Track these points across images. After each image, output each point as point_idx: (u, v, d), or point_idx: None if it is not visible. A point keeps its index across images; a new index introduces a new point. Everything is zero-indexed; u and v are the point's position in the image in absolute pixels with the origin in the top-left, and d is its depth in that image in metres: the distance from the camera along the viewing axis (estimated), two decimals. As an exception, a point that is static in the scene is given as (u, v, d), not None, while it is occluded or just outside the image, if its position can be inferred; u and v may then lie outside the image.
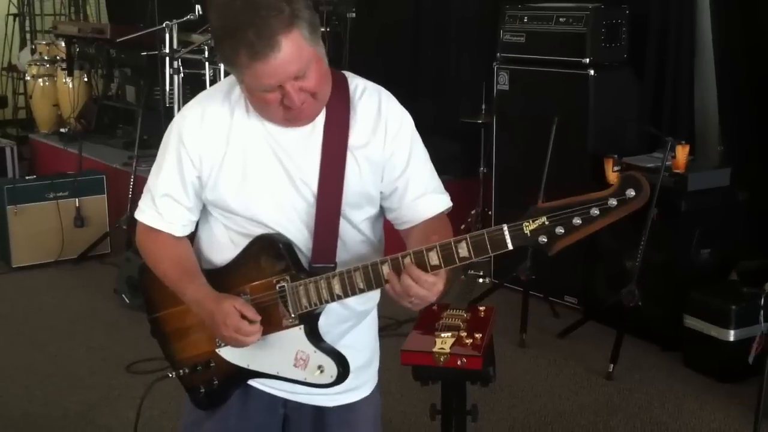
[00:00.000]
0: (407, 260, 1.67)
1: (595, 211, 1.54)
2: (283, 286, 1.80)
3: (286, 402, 1.98)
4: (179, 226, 1.91)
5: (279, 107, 1.73)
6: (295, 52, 1.66)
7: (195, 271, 1.90)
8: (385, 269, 1.69)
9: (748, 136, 4.52)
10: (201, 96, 1.91)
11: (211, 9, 1.72)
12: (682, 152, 4.09)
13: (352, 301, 1.85)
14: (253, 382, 1.95)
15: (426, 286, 1.66)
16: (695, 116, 4.69)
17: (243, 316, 1.79)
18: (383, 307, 2.07)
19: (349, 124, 1.82)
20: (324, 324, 1.85)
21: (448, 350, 2.55)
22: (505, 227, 1.60)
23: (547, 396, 3.74)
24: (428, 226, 1.86)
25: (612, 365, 3.88)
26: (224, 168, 1.83)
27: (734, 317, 3.73)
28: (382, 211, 1.94)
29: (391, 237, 2.00)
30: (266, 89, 1.70)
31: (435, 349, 2.55)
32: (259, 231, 1.84)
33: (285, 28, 1.64)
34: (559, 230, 1.56)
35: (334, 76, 1.82)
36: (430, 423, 2.75)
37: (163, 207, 1.89)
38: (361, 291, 1.74)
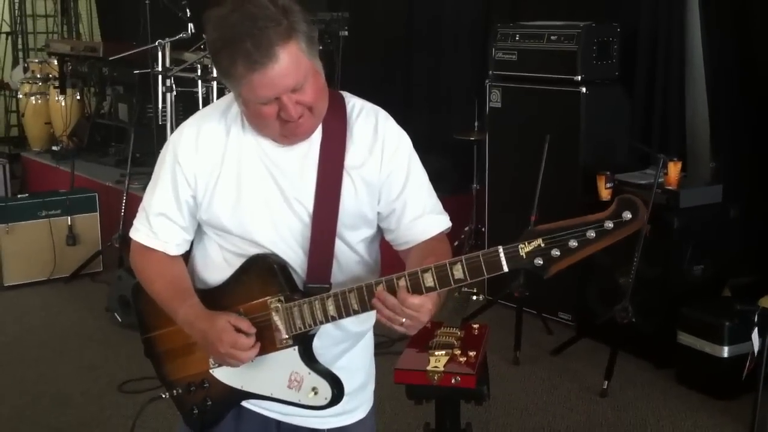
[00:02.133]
0: (402, 282, 1.65)
1: (591, 234, 1.53)
2: (277, 307, 1.79)
3: (279, 424, 1.96)
4: (173, 246, 1.90)
5: (275, 122, 1.72)
6: (293, 64, 1.66)
7: (188, 290, 1.88)
8: (380, 291, 1.68)
9: (740, 152, 4.54)
10: (198, 114, 1.91)
11: (209, 21, 1.72)
12: (674, 169, 4.11)
13: (346, 322, 1.84)
14: (247, 404, 1.94)
15: (413, 308, 1.64)
16: (686, 132, 4.71)
17: (238, 330, 1.77)
18: (376, 325, 2.06)
19: (346, 144, 1.81)
20: (318, 346, 1.84)
21: (442, 369, 2.54)
22: (501, 249, 1.59)
23: (541, 414, 3.72)
24: (427, 246, 1.84)
25: (606, 382, 3.87)
26: (219, 187, 1.82)
27: (727, 333, 3.72)
28: (378, 231, 1.93)
29: (389, 257, 2.00)
30: (263, 101, 1.69)
31: (429, 368, 2.54)
32: (253, 251, 1.83)
33: (283, 39, 1.64)
34: (555, 253, 1.55)
35: (330, 96, 1.81)
36: (425, 442, 2.74)
37: (157, 226, 1.88)
38: (356, 312, 1.73)
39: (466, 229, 5.29)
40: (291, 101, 1.69)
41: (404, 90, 6.25)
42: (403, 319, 1.65)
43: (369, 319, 1.97)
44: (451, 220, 1.92)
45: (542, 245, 1.55)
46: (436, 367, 2.54)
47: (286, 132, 1.76)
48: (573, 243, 1.54)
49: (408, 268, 1.71)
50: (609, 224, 1.52)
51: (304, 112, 1.72)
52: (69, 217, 5.51)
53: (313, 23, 1.75)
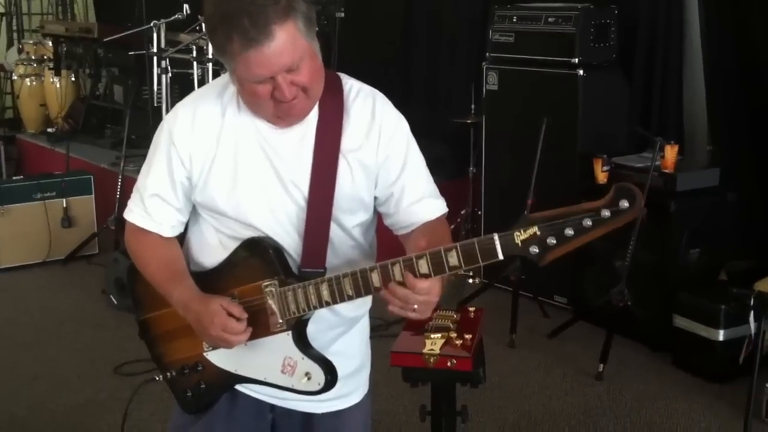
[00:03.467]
0: (396, 268, 1.64)
1: (587, 222, 1.51)
2: (272, 291, 1.78)
3: (273, 407, 1.96)
4: (168, 227, 1.89)
5: (269, 102, 1.70)
6: (289, 43, 1.64)
7: (183, 272, 1.88)
8: (374, 276, 1.67)
9: (737, 135, 4.53)
10: (193, 95, 1.89)
11: None
12: (671, 152, 4.09)
13: (341, 307, 1.83)
14: (241, 387, 1.94)
15: (423, 292, 1.63)
16: (684, 116, 4.70)
17: (230, 315, 1.77)
18: (373, 308, 2.06)
19: (342, 127, 1.79)
20: (313, 330, 1.83)
21: (438, 351, 2.54)
22: (496, 236, 1.57)
23: (537, 396, 3.73)
24: (427, 228, 1.83)
25: (602, 365, 3.87)
26: (214, 169, 1.81)
27: (723, 317, 3.73)
28: (375, 216, 1.92)
29: (386, 242, 1.98)
30: (257, 80, 1.67)
31: (425, 351, 2.54)
32: (248, 234, 1.82)
33: (280, 18, 1.62)
34: (551, 241, 1.53)
35: (328, 77, 1.80)
36: (420, 424, 2.74)
37: (151, 207, 1.87)
38: (350, 298, 1.72)
39: (463, 212, 5.28)
40: (285, 81, 1.67)
41: (401, 73, 6.22)
42: (415, 306, 1.64)
43: (364, 303, 1.97)
44: (447, 204, 1.91)
45: (538, 233, 1.54)
46: (432, 350, 2.54)
47: (280, 113, 1.74)
48: (569, 231, 1.52)
49: (408, 250, 1.71)
50: (606, 213, 1.50)
51: (298, 93, 1.70)
52: (64, 200, 5.49)
53: (311, 4, 1.72)
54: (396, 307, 1.65)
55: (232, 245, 1.84)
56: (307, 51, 1.68)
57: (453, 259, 1.60)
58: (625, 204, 1.49)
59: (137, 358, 3.77)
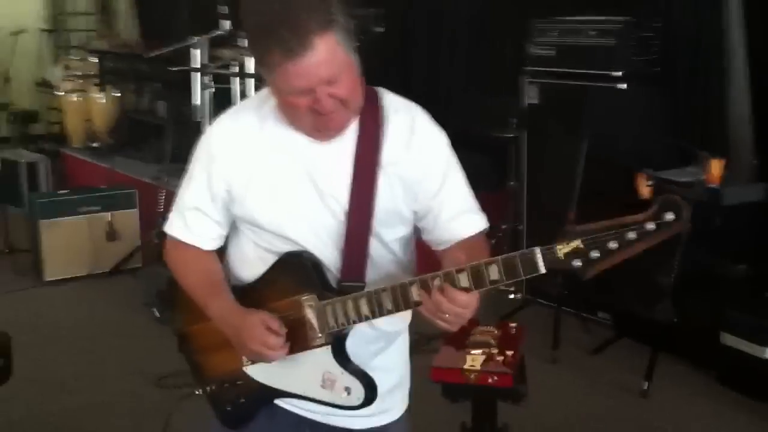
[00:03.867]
0: (437, 282, 1.62)
1: (631, 235, 1.47)
2: (311, 305, 1.77)
3: (313, 423, 1.95)
4: (208, 240, 1.90)
5: (308, 114, 1.70)
6: (329, 54, 1.63)
7: (222, 286, 1.88)
8: (414, 290, 1.65)
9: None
10: (233, 109, 1.90)
11: (246, 7, 1.69)
12: (716, 166, 4.03)
13: (380, 321, 1.81)
14: (280, 402, 1.93)
15: (461, 305, 1.60)
16: (729, 130, 4.62)
17: (268, 329, 1.76)
18: (412, 323, 2.04)
19: (382, 141, 1.78)
20: (351, 345, 1.82)
21: (479, 367, 2.52)
22: (538, 250, 1.54)
23: (579, 414, 3.68)
24: (465, 244, 1.81)
25: (647, 383, 3.81)
26: (253, 182, 1.81)
27: (771, 334, 3.66)
28: (414, 231, 1.91)
29: (425, 257, 1.97)
30: (297, 92, 1.66)
31: (466, 366, 2.53)
32: (287, 248, 1.82)
33: (320, 29, 1.61)
34: (594, 254, 1.50)
35: (366, 92, 1.79)
36: (461, 441, 2.72)
37: (191, 220, 1.88)
38: (389, 312, 1.70)
39: (504, 227, 5.24)
40: (324, 94, 1.66)
41: (438, 86, 6.20)
42: (447, 315, 1.62)
43: (404, 318, 1.95)
44: (488, 218, 1.89)
45: (581, 246, 1.51)
46: (473, 365, 2.53)
47: (319, 125, 1.73)
48: (613, 244, 1.49)
49: (445, 265, 1.69)
50: (651, 225, 1.47)
51: (337, 106, 1.69)
52: (109, 213, 5.56)
53: (350, 17, 1.72)
54: (427, 311, 1.63)
55: (271, 259, 1.84)
56: (346, 63, 1.67)
57: (494, 272, 1.58)
58: (670, 216, 1.46)
59: (179, 370, 3.78)
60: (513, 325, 2.80)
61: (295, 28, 1.60)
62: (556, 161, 4.63)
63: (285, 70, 1.63)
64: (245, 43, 5.41)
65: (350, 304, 1.73)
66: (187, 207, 1.88)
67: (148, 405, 3.78)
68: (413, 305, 1.67)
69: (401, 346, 2.00)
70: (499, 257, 1.58)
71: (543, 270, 1.55)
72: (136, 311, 4.87)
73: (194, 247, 1.90)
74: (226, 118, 1.86)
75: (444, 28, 6.04)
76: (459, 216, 1.83)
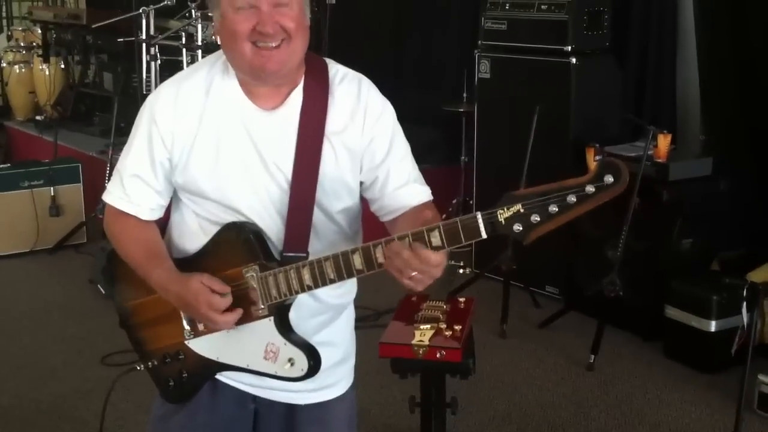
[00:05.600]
0: (379, 250, 1.60)
1: (572, 199, 1.47)
2: (252, 276, 1.74)
3: (256, 398, 1.92)
4: (147, 210, 1.85)
5: (248, 44, 1.67)
6: None
7: (162, 254, 1.84)
8: (356, 258, 1.63)
9: (730, 124, 4.50)
10: (177, 75, 1.86)
11: None
12: (663, 141, 4.06)
13: (324, 293, 1.80)
14: (222, 377, 1.90)
15: (432, 264, 1.56)
16: (677, 105, 4.67)
17: (212, 291, 1.73)
18: (361, 298, 2.02)
19: (327, 110, 1.76)
20: (295, 317, 1.79)
21: (427, 342, 2.52)
22: (479, 215, 1.53)
23: (527, 387, 3.70)
24: (415, 213, 1.79)
25: (593, 356, 3.85)
26: (196, 148, 1.77)
27: (716, 307, 3.70)
28: (361, 205, 1.89)
29: (372, 232, 1.94)
30: (242, 4, 1.64)
31: (414, 342, 2.52)
32: (229, 218, 1.79)
33: None
34: (535, 218, 1.49)
35: (314, 61, 1.78)
36: (410, 415, 2.72)
37: (131, 188, 1.83)
38: (332, 281, 1.68)
39: (454, 201, 5.25)
40: (269, 12, 1.65)
41: (394, 61, 6.17)
42: (413, 273, 1.58)
43: (349, 292, 1.94)
44: (439, 192, 1.88)
45: (521, 210, 1.50)
46: (421, 340, 2.52)
47: (257, 62, 1.70)
48: (553, 208, 1.48)
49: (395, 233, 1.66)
50: (590, 188, 1.46)
51: (279, 34, 1.67)
52: (52, 188, 5.43)
53: None
54: (393, 270, 1.58)
55: (213, 230, 1.81)
56: None
57: (436, 238, 1.55)
58: (609, 179, 1.45)
59: (125, 348, 3.68)
60: (462, 299, 2.79)
61: None
62: (507, 136, 4.63)
63: None
64: (192, 13, 5.32)
65: (293, 274, 1.70)
66: (126, 174, 1.84)
67: (93, 383, 3.71)
68: (356, 273, 1.65)
69: (346, 320, 1.98)
70: (440, 222, 1.56)
71: (484, 235, 1.53)
72: (81, 288, 4.78)
73: (133, 216, 1.85)
74: (170, 83, 1.83)
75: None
76: (406, 185, 1.82)
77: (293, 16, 1.68)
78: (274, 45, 1.68)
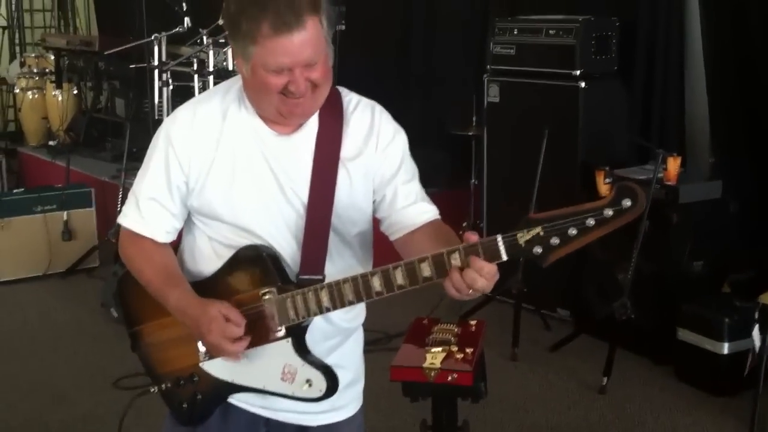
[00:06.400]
0: (399, 271, 1.62)
1: (590, 222, 1.50)
2: (270, 298, 1.76)
3: (267, 421, 1.93)
4: (163, 232, 1.87)
5: (277, 96, 1.70)
6: (315, 36, 1.66)
7: (179, 277, 1.86)
8: (376, 281, 1.65)
9: (740, 147, 4.51)
10: (193, 99, 1.89)
11: None
12: (673, 164, 4.07)
13: (337, 317, 1.82)
14: (234, 401, 1.91)
15: (489, 277, 1.59)
16: (686, 127, 4.68)
17: (228, 320, 1.74)
18: (372, 321, 2.04)
19: (342, 136, 1.80)
20: (308, 340, 1.81)
21: (438, 366, 2.51)
22: (499, 237, 1.56)
23: (539, 411, 3.69)
24: (433, 231, 1.81)
25: (605, 378, 3.84)
26: (213, 172, 1.79)
27: (727, 330, 3.69)
28: (373, 227, 1.91)
29: (382, 255, 1.96)
30: (277, 68, 1.67)
31: (425, 365, 2.51)
32: (243, 241, 1.80)
33: (312, 10, 1.66)
34: (554, 241, 1.52)
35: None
36: (421, 439, 2.70)
37: (147, 211, 1.85)
38: (350, 303, 1.70)
39: (464, 224, 5.25)
40: (302, 75, 1.68)
41: (401, 84, 6.20)
42: (470, 290, 1.61)
43: (359, 315, 1.96)
44: (448, 215, 1.90)
45: (541, 233, 1.53)
46: (432, 364, 2.51)
47: (285, 110, 1.73)
48: (573, 231, 1.51)
49: (410, 253, 1.70)
50: (608, 212, 1.49)
51: (308, 90, 1.71)
52: (65, 212, 5.47)
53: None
54: (454, 288, 1.61)
55: (226, 254, 1.82)
56: (324, 49, 1.71)
57: (456, 260, 1.58)
58: (627, 203, 1.49)
59: (137, 371, 3.71)
60: (473, 322, 2.79)
61: (290, 4, 1.63)
62: (517, 160, 4.65)
63: (273, 44, 1.64)
64: (204, 40, 5.37)
65: (311, 296, 1.72)
66: (142, 197, 1.85)
67: (105, 407, 3.71)
68: (375, 295, 1.67)
69: (356, 342, 2.00)
70: (461, 245, 1.59)
71: (505, 257, 1.56)
72: (93, 312, 4.80)
73: (149, 239, 1.87)
74: (186, 107, 1.85)
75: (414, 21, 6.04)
76: (414, 204, 1.85)
77: (322, 70, 1.71)
78: (301, 98, 1.72)
